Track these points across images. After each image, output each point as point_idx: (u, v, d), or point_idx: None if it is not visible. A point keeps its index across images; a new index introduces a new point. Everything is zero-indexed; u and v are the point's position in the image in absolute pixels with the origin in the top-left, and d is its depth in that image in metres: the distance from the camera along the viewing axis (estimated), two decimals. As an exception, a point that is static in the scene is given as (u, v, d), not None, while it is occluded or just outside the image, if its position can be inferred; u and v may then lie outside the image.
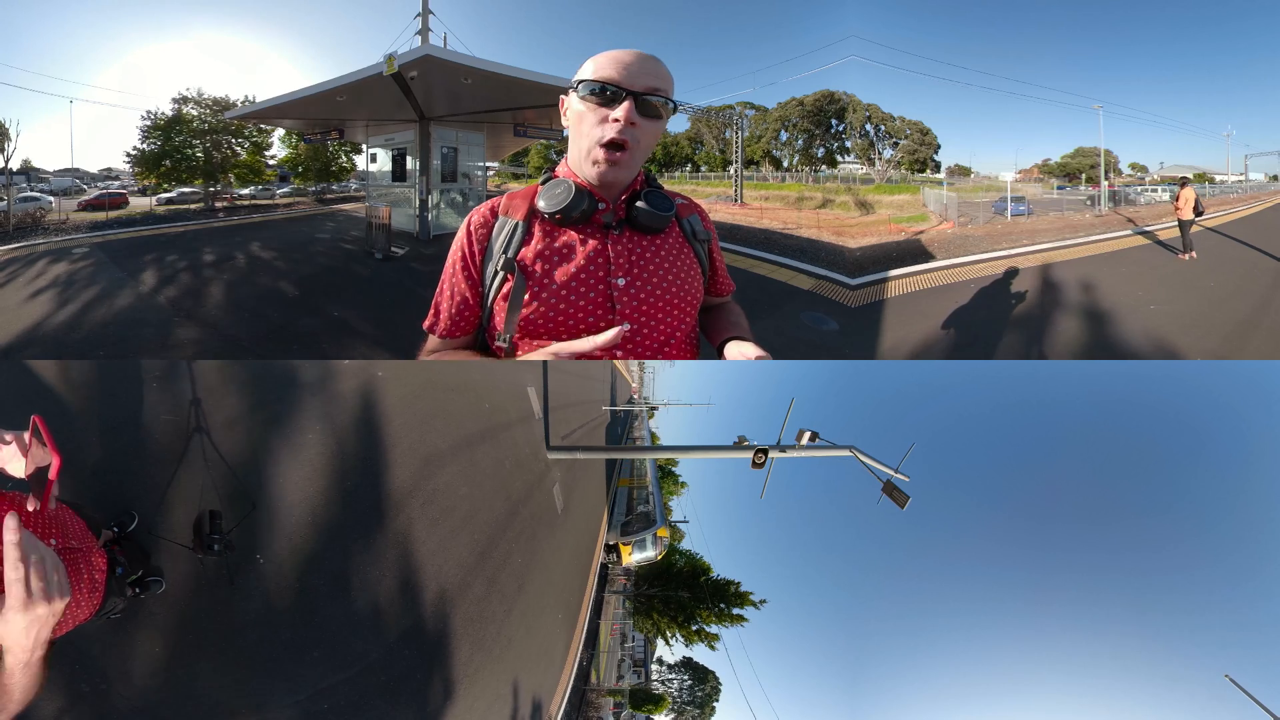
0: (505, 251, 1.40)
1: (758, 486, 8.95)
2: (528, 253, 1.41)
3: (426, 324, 1.52)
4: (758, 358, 1.39)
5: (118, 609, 2.29)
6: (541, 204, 1.40)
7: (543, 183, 1.44)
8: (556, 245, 1.41)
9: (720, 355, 1.51)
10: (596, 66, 1.33)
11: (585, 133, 1.35)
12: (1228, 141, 19.57)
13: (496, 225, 1.45)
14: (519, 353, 1.42)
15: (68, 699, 2.72)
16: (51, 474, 1.29)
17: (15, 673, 1.17)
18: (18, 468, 1.43)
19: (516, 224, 1.42)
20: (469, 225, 1.47)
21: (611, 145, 1.33)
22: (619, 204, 1.44)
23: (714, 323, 1.64)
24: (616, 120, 1.31)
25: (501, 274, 1.39)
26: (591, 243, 1.41)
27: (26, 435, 1.38)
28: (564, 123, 1.41)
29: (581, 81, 1.34)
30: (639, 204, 1.43)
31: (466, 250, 1.45)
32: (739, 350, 1.43)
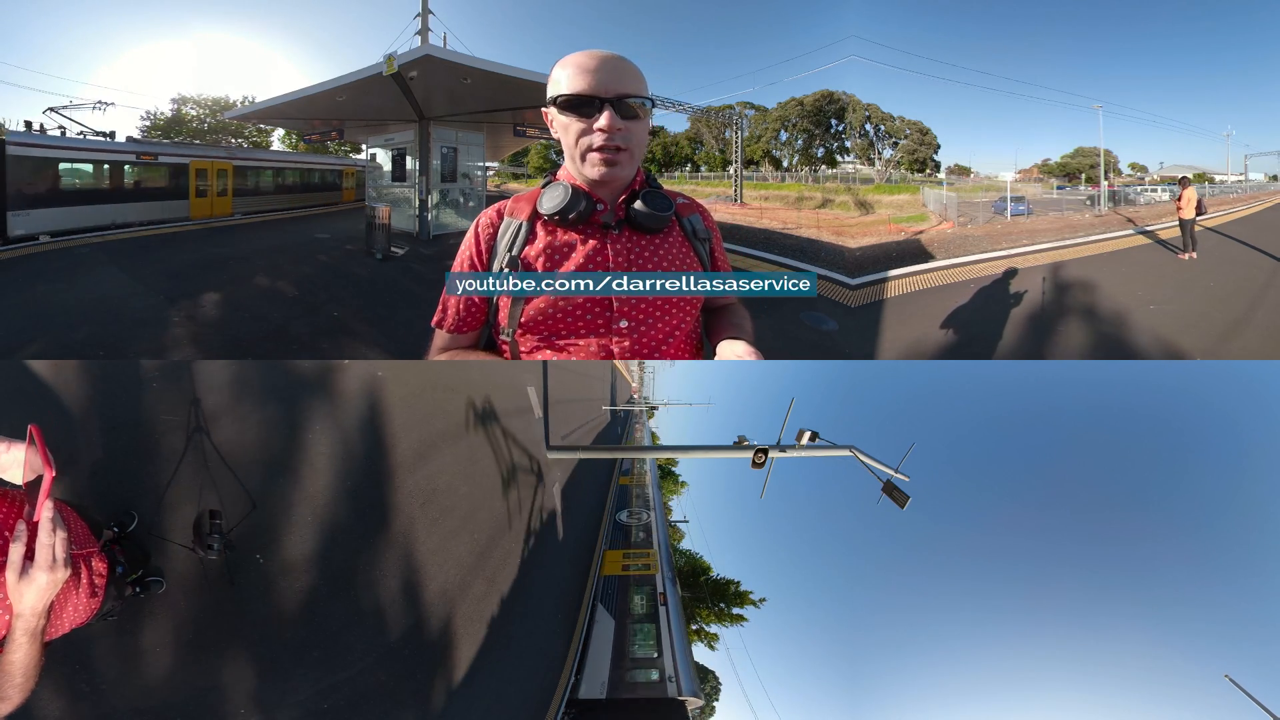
0: (510, 250, 1.47)
1: (758, 486, 8.96)
2: (530, 252, 1.46)
3: (435, 320, 1.58)
4: (746, 355, 1.41)
5: (115, 611, 2.29)
6: (541, 206, 1.46)
7: (544, 186, 1.49)
8: (557, 244, 1.47)
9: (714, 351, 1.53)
10: (567, 78, 1.39)
11: (574, 142, 1.41)
12: (1228, 141, 19.57)
13: (502, 226, 1.51)
14: (522, 348, 1.49)
15: (68, 699, 2.72)
16: (44, 486, 1.32)
17: (21, 645, 1.28)
18: (15, 475, 1.45)
19: (520, 224, 1.48)
20: (477, 226, 1.54)
21: (603, 149, 1.38)
22: (618, 205, 1.49)
23: (716, 324, 1.67)
24: (601, 129, 1.36)
25: (505, 271, 1.45)
26: (591, 242, 1.47)
27: (24, 445, 1.41)
28: (553, 134, 1.47)
29: (558, 96, 1.39)
30: (637, 204, 1.48)
31: (474, 250, 1.52)
32: (729, 349, 1.45)
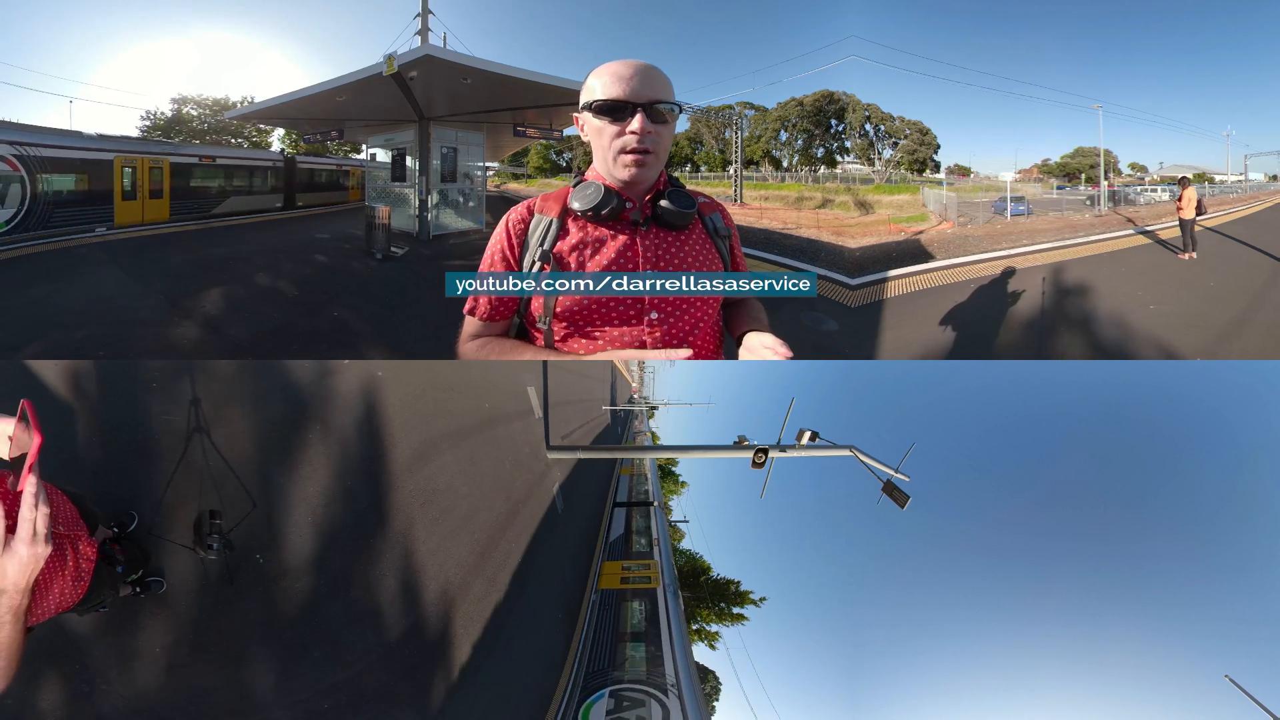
0: (542, 244, 1.54)
1: (758, 486, 8.96)
2: (563, 246, 1.54)
3: (467, 309, 1.65)
4: (775, 352, 1.45)
5: (106, 601, 2.29)
6: (574, 203, 1.53)
7: (574, 185, 1.57)
8: (589, 239, 1.55)
9: (738, 345, 1.58)
10: (603, 85, 1.47)
11: (607, 145, 1.49)
12: (1228, 141, 19.51)
13: (533, 222, 1.58)
14: (556, 336, 1.56)
15: (68, 699, 2.73)
16: (31, 454, 1.33)
17: (5, 622, 1.29)
18: (2, 449, 1.47)
19: (551, 221, 1.55)
20: (507, 222, 1.61)
21: (634, 152, 1.47)
22: (645, 203, 1.56)
23: (735, 317, 1.73)
24: (634, 132, 1.45)
25: (539, 264, 1.52)
26: (621, 238, 1.55)
27: (14, 420, 1.43)
28: (584, 137, 1.55)
29: (594, 101, 1.47)
30: (663, 202, 1.55)
31: (506, 244, 1.59)
32: (758, 341, 1.50)
